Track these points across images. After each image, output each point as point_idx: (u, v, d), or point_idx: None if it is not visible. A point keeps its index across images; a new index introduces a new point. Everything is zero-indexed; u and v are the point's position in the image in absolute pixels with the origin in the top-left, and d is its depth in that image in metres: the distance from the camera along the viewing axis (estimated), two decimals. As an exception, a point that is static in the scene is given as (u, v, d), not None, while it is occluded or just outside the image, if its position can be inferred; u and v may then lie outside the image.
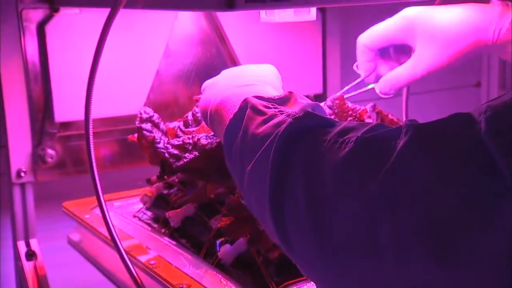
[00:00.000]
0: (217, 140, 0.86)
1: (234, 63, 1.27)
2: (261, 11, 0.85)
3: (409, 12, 0.80)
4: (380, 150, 0.48)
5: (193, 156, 0.86)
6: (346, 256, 0.50)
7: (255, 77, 0.72)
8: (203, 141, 0.86)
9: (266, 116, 0.61)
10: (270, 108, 0.62)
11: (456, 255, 0.43)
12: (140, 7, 0.79)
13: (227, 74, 0.76)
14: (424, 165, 0.45)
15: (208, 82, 0.77)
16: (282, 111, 0.61)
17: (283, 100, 0.64)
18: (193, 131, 0.98)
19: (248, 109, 0.63)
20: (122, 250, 0.82)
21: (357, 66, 0.86)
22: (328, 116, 0.60)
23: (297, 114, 0.58)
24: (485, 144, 0.43)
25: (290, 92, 0.65)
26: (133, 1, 0.77)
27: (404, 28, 0.80)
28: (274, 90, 0.70)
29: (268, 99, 0.64)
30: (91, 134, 0.85)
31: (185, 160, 0.87)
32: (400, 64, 0.82)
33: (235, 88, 0.70)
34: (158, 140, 0.94)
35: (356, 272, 0.50)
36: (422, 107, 1.38)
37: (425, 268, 0.44)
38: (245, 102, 0.64)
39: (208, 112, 0.71)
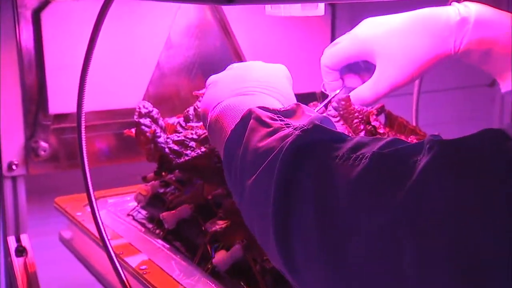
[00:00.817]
0: None
1: (239, 56, 1.23)
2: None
3: (366, 31, 0.79)
4: (399, 167, 0.45)
5: (195, 154, 0.82)
6: (362, 282, 0.46)
7: (258, 83, 0.69)
8: None
9: (272, 129, 0.57)
10: (276, 120, 0.58)
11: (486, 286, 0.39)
12: (137, -3, 0.75)
13: (230, 75, 0.72)
14: (452, 185, 0.41)
15: (212, 79, 0.73)
16: (288, 124, 0.57)
17: (289, 112, 0.60)
18: (197, 126, 0.94)
19: (252, 120, 0.59)
20: (113, 255, 0.78)
21: (323, 86, 0.85)
22: (339, 130, 0.56)
23: (305, 126, 0.54)
24: None
25: (297, 104, 0.61)
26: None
27: (362, 48, 0.79)
28: (277, 101, 0.66)
29: (274, 111, 0.60)
30: (83, 127, 0.81)
31: (186, 158, 0.83)
32: (367, 75, 0.81)
33: (236, 96, 0.66)
34: (159, 135, 0.90)
35: None
36: (433, 106, 1.34)
37: None
38: (249, 112, 0.60)
39: (208, 120, 0.68)
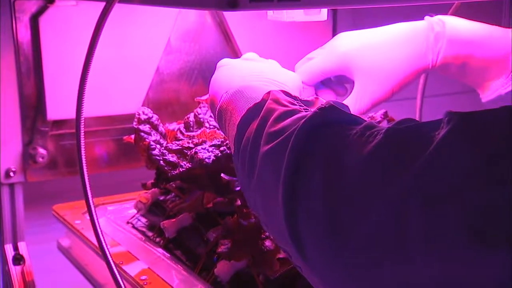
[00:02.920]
0: (215, 154, 0.81)
1: (239, 61, 1.22)
2: (268, 9, 0.79)
3: (343, 46, 0.78)
4: (415, 141, 0.44)
5: (189, 166, 0.80)
6: (369, 258, 0.44)
7: (274, 79, 0.68)
8: (201, 155, 0.81)
9: (290, 109, 0.57)
10: (295, 104, 0.58)
11: (501, 238, 0.38)
12: (138, 3, 0.73)
13: (245, 62, 0.71)
14: (467, 156, 0.40)
15: (223, 62, 0.73)
16: (307, 109, 0.57)
17: (308, 102, 0.61)
18: (194, 135, 0.93)
19: (269, 101, 0.59)
20: (113, 265, 0.76)
21: None
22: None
23: (322, 105, 0.53)
24: None
25: (316, 98, 0.62)
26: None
27: (339, 63, 0.78)
28: None
29: (294, 97, 0.60)
30: (82, 134, 0.79)
31: (180, 170, 0.81)
32: (340, 89, 0.81)
33: (254, 81, 0.66)
34: (154, 147, 0.88)
35: (378, 271, 0.44)
36: (437, 110, 1.32)
37: (465, 255, 0.39)
38: (269, 94, 0.60)
39: (218, 103, 0.66)
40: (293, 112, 0.56)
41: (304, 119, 0.52)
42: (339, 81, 0.81)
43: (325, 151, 0.49)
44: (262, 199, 0.55)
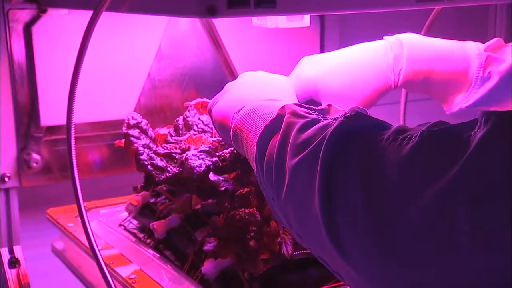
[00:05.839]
0: (206, 164, 0.84)
1: (229, 67, 1.24)
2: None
3: (308, 72, 0.80)
4: (452, 142, 0.45)
5: (176, 171, 0.83)
6: (413, 261, 0.46)
7: (282, 94, 0.69)
8: (191, 163, 0.83)
9: (310, 119, 0.57)
10: (312, 114, 0.58)
11: None
12: (124, 11, 0.76)
13: (248, 82, 0.73)
14: (510, 155, 0.41)
15: (229, 86, 0.74)
16: (325, 117, 0.57)
17: (323, 111, 0.60)
18: (181, 140, 0.95)
19: (287, 115, 0.59)
20: (103, 264, 0.79)
21: None
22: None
23: (347, 113, 0.54)
24: None
25: (329, 105, 0.61)
26: (117, 4, 0.73)
27: (306, 88, 0.79)
28: None
29: (309, 107, 0.61)
30: (72, 139, 0.81)
31: (168, 175, 0.84)
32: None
33: (265, 101, 0.67)
34: (141, 152, 0.91)
35: (426, 267, 0.46)
36: (421, 115, 1.34)
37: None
38: (284, 108, 0.60)
39: (232, 124, 0.67)
40: (314, 122, 0.56)
41: (332, 128, 0.53)
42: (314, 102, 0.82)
43: (359, 159, 0.50)
44: (295, 211, 0.56)
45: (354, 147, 0.51)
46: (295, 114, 0.58)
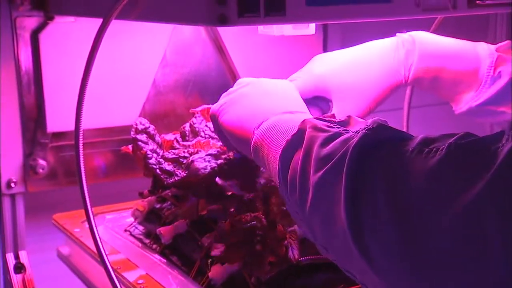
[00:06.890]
0: (212, 167, 0.84)
1: (233, 74, 1.25)
2: (258, 24, 0.82)
3: (319, 68, 0.80)
4: (480, 154, 0.45)
5: (184, 175, 0.84)
6: (444, 274, 0.46)
7: (295, 103, 0.70)
8: (197, 165, 0.84)
9: (332, 133, 0.57)
10: (333, 127, 0.58)
11: None
12: (133, 19, 0.77)
13: (258, 92, 0.73)
14: None
15: (236, 96, 0.74)
16: (347, 130, 0.57)
17: (343, 123, 0.60)
18: (189, 145, 0.96)
19: (309, 129, 0.59)
20: (111, 269, 0.79)
21: None
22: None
23: (370, 125, 0.54)
24: None
25: (349, 116, 0.61)
26: (126, 12, 0.74)
27: (317, 85, 0.80)
28: None
29: (329, 120, 0.60)
30: (81, 145, 0.82)
31: (176, 178, 0.85)
32: (325, 106, 0.82)
33: (284, 114, 0.67)
34: (150, 156, 0.92)
35: (457, 275, 0.46)
36: (424, 121, 1.35)
37: None
38: (304, 122, 0.60)
39: (252, 139, 0.67)
40: (336, 136, 0.56)
41: (354, 141, 0.53)
42: (324, 99, 0.83)
43: (384, 171, 0.50)
44: (321, 224, 0.56)
45: (378, 160, 0.51)
46: (316, 128, 0.58)
